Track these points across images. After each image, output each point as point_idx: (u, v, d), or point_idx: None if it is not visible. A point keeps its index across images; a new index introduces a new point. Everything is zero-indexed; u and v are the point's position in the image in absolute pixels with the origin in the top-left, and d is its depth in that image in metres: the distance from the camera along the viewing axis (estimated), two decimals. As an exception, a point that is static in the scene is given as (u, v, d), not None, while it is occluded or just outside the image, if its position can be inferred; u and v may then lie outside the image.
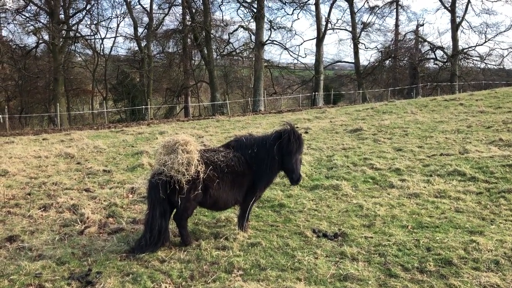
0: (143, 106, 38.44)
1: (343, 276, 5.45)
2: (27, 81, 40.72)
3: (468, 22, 52.88)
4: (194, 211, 7.06)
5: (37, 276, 5.62)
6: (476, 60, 52.67)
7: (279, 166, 6.91)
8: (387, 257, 5.93)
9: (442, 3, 52.11)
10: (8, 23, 40.14)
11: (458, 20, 50.56)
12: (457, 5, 50.59)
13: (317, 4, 46.80)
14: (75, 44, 44.19)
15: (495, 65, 53.04)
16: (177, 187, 6.29)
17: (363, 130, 16.77)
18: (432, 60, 54.62)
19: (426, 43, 53.85)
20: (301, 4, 48.16)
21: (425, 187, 9.16)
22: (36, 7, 40.23)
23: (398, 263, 5.77)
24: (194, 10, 43.45)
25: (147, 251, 6.24)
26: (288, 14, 50.20)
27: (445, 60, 52.67)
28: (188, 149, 6.43)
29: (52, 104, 37.51)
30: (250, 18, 45.59)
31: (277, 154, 6.77)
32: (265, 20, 43.74)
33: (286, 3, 47.69)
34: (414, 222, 7.32)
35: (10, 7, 40.66)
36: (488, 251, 5.94)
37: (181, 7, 44.98)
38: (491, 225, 7.03)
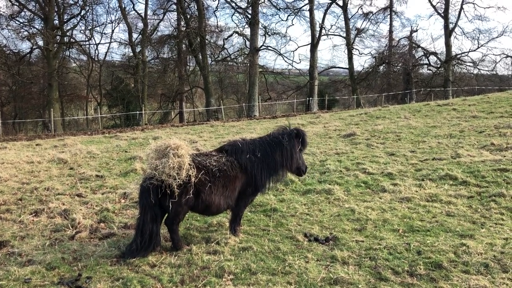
0: (138, 112, 38.40)
1: (334, 280, 5.45)
2: (21, 87, 40.62)
3: (461, 28, 53.42)
4: (186, 215, 7.06)
5: (26, 281, 5.59)
6: (469, 65, 53.11)
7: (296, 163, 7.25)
8: (377, 261, 5.95)
9: (435, 10, 52.56)
10: (2, 29, 40.07)
11: (451, 26, 51.00)
12: (450, 11, 51.07)
13: (311, 10, 47.03)
14: (70, 50, 44.07)
15: (488, 70, 53.49)
16: (168, 191, 6.28)
17: (357, 135, 16.82)
18: (425, 66, 54.98)
19: (419, 48, 54.18)
20: (296, 10, 48.43)
21: (416, 191, 9.20)
22: (30, 13, 40.24)
23: (389, 267, 5.78)
24: (188, 16, 43.51)
25: (138, 256, 6.21)
26: (282, 20, 50.36)
27: (438, 66, 52.99)
28: (179, 153, 6.42)
29: (46, 110, 37.38)
30: (244, 24, 45.81)
31: (296, 153, 7.19)
32: (260, 26, 43.96)
33: (281, 9, 47.98)
34: (405, 226, 7.34)
35: (4, 12, 40.71)
36: (478, 254, 5.97)
37: (175, 13, 45.12)
38: (482, 228, 7.07)
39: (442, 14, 51.51)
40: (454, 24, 51.15)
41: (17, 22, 40.28)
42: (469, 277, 5.39)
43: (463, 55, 52.34)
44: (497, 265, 5.69)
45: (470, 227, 7.16)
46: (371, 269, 5.75)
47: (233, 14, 46.78)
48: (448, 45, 50.81)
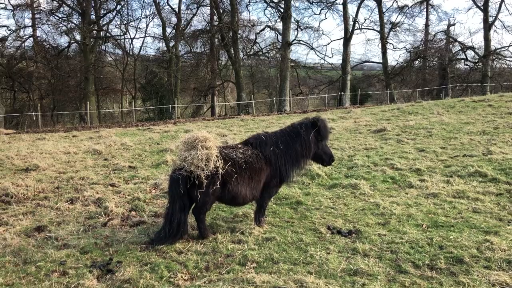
0: (171, 105, 39.08)
1: (353, 271, 5.56)
2: (59, 80, 41.96)
3: (501, 22, 51.62)
4: (213, 206, 7.29)
5: (61, 263, 5.95)
6: (509, 60, 51.42)
7: (314, 153, 7.41)
8: (398, 254, 6.01)
9: (475, 2, 51.04)
10: (42, 24, 41.56)
11: (491, 19, 49.38)
12: (490, 4, 49.43)
13: (344, 4, 46.59)
14: (106, 44, 45.31)
15: (529, 65, 51.63)
16: (196, 182, 6.50)
17: (387, 130, 16.70)
18: (462, 61, 53.53)
19: (456, 43, 52.79)
20: (329, 4, 48.03)
21: (444, 187, 9.14)
22: (68, 8, 41.58)
23: (409, 260, 5.84)
24: (221, 11, 43.87)
25: (165, 243, 6.49)
26: (315, 14, 50.19)
27: (476, 61, 51.55)
28: (207, 145, 6.64)
29: (82, 103, 38.56)
30: (277, 18, 45.83)
31: (314, 142, 7.31)
32: (292, 20, 43.81)
33: (314, 3, 47.71)
34: (429, 221, 7.35)
35: (44, 8, 42.15)
36: (502, 251, 5.94)
37: (209, 8, 45.60)
38: (508, 225, 7.00)
39: (482, 7, 49.97)
40: (494, 17, 49.54)
41: (56, 17, 41.79)
42: (490, 272, 5.40)
43: (503, 49, 50.73)
44: (520, 261, 5.66)
45: (496, 224, 7.10)
46: (392, 261, 5.82)
47: (265, 8, 46.96)
48: (487, 39, 49.27)
